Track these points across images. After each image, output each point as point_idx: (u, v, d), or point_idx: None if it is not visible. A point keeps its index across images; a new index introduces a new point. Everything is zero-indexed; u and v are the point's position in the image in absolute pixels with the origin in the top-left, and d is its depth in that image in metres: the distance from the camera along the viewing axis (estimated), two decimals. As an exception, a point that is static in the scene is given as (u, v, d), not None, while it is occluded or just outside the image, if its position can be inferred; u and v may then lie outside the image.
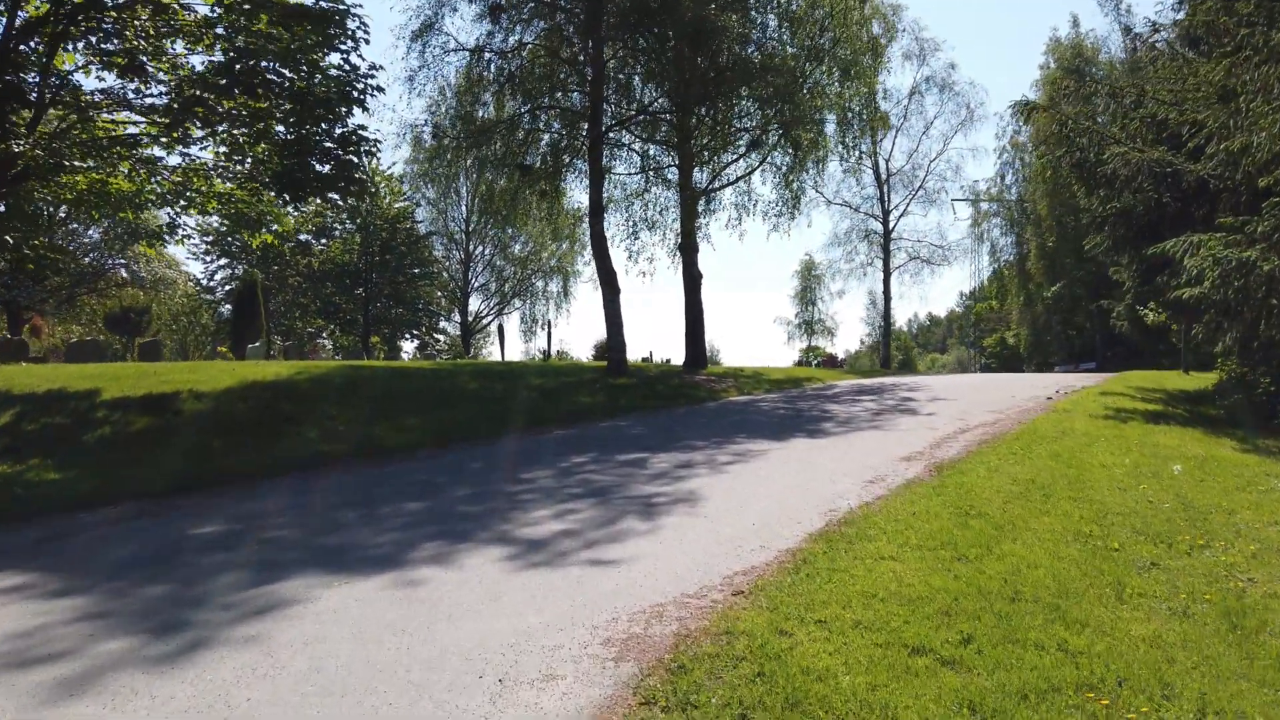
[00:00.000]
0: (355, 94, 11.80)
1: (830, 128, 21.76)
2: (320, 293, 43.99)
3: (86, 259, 34.00)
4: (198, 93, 10.60)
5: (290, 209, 14.09)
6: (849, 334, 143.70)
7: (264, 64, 10.75)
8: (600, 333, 75.57)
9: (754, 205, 22.61)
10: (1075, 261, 44.13)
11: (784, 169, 21.63)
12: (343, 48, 11.60)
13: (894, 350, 51.10)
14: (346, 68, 11.79)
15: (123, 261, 35.07)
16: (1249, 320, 10.05)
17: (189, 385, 12.18)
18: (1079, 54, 43.18)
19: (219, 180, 12.62)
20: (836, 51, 19.61)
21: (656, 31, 17.89)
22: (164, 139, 11.79)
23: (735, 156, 22.28)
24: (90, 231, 34.73)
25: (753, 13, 19.26)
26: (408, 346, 51.10)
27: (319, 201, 12.86)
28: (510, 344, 59.34)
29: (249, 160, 12.48)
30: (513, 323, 64.35)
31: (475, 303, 51.37)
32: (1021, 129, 48.86)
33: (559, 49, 19.19)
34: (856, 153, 23.54)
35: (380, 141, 12.59)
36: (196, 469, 8.42)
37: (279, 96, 11.16)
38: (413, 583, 4.58)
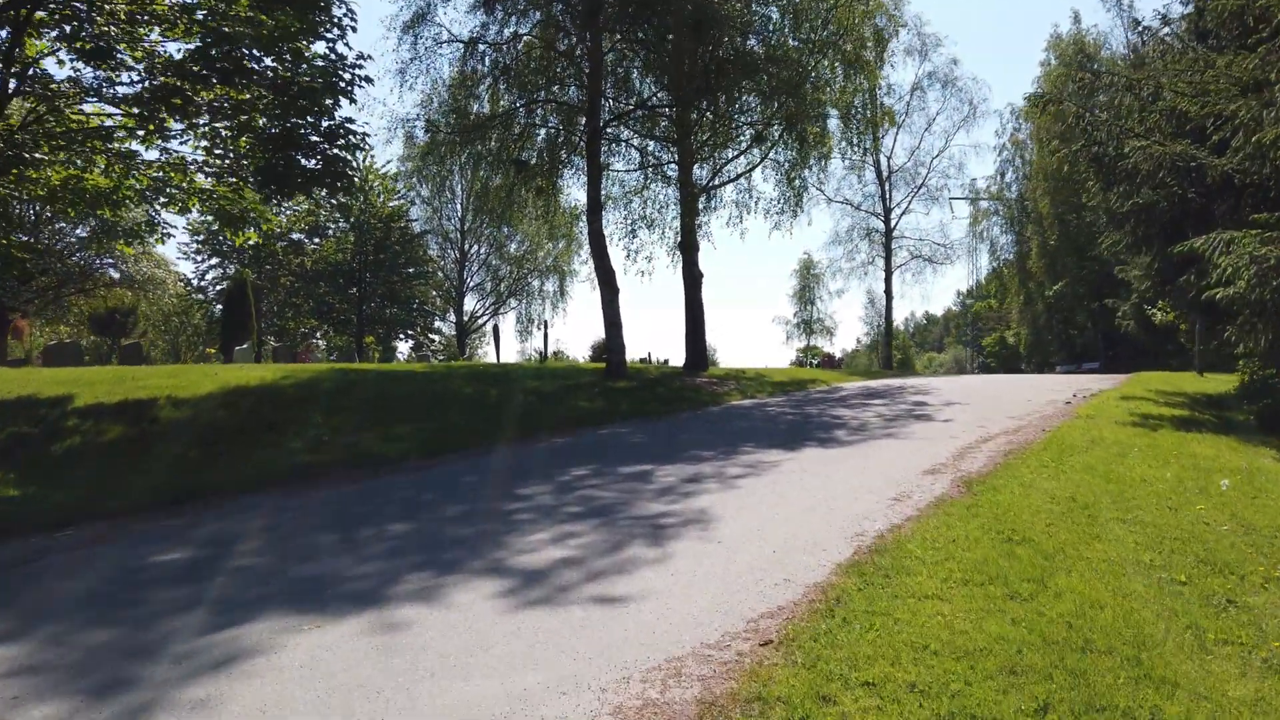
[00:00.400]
0: (342, 84, 11.22)
1: (834, 123, 21.25)
2: (313, 293, 43.33)
3: (74, 258, 33.29)
4: (173, 80, 10.01)
5: (275, 206, 13.48)
6: (847, 334, 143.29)
7: (243, 52, 10.15)
8: (597, 333, 74.75)
9: (755, 203, 22.11)
10: (1077, 260, 43.72)
11: (786, 165, 21.12)
12: (328, 35, 11.04)
13: (893, 350, 50.67)
14: (333, 57, 11.22)
15: (110, 261, 34.38)
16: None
17: (168, 391, 11.60)
18: (1081, 50, 42.68)
19: (199, 176, 12.03)
20: (840, 44, 19.06)
21: (656, 22, 17.32)
22: (140, 132, 11.20)
23: (737, 152, 21.77)
24: (79, 230, 34.05)
25: (754, 4, 18.71)
26: (402, 347, 50.51)
27: (306, 198, 12.24)
28: (506, 344, 58.71)
29: (230, 154, 11.89)
30: (508, 323, 63.73)
31: (471, 302, 50.82)
32: (1022, 126, 48.59)
33: (555, 41, 18.62)
34: (860, 149, 22.99)
35: (369, 135, 12.01)
36: (169, 484, 7.85)
37: (260, 86, 10.58)
38: (393, 626, 4.02)
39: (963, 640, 3.59)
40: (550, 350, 43.99)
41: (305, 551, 5.56)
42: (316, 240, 44.69)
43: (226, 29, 9.53)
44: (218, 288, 41.95)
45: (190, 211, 12.47)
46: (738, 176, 22.01)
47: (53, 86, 10.36)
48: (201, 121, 11.73)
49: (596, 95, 17.89)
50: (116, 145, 11.49)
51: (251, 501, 7.33)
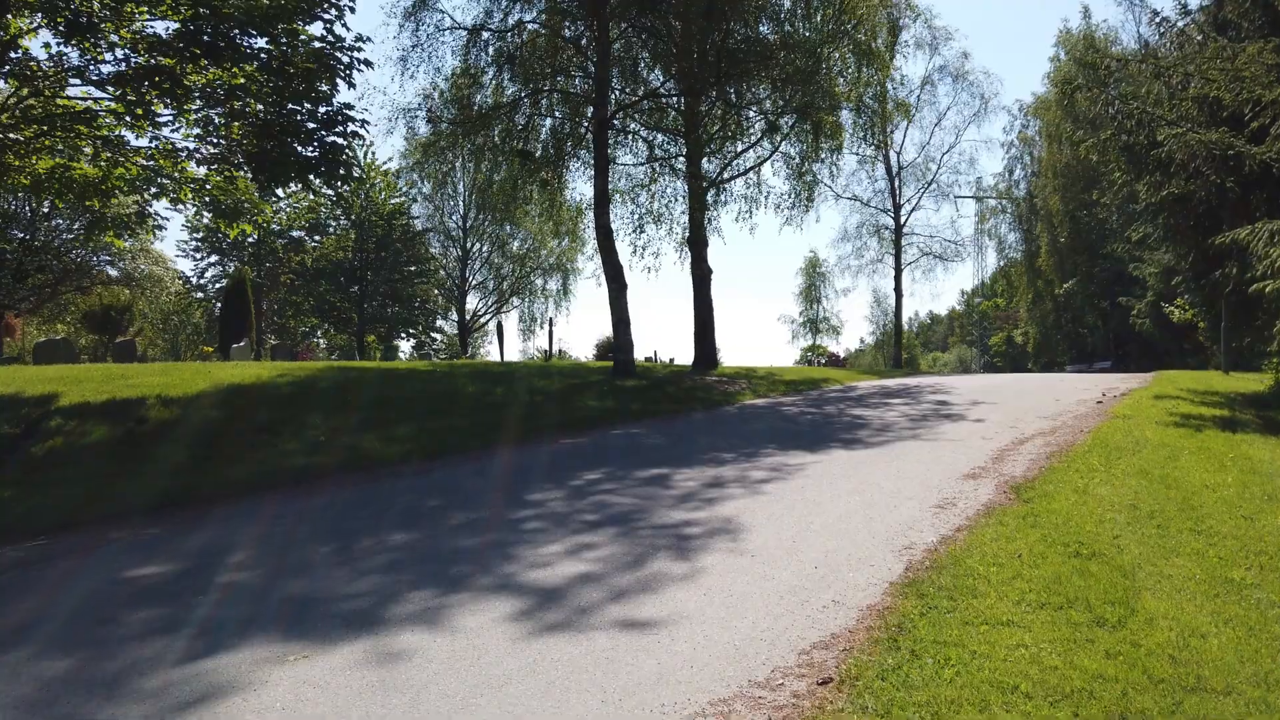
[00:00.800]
0: (340, 67, 10.71)
1: (845, 116, 20.69)
2: (314, 291, 42.87)
3: (70, 255, 32.84)
4: (157, 59, 9.49)
5: (270, 196, 12.97)
6: (852, 333, 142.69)
7: (235, 32, 9.62)
8: (600, 331, 74.26)
9: (765, 197, 21.55)
10: (1088, 258, 43.17)
11: (797, 158, 20.58)
12: (325, 16, 10.52)
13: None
14: (330, 38, 10.70)
15: (108, 258, 33.94)
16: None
17: (158, 390, 11.10)
18: (1091, 45, 42.07)
19: (192, 165, 11.53)
20: (853, 33, 18.52)
21: (665, 8, 16.77)
22: (129, 118, 10.70)
23: (746, 146, 21.23)
24: (76, 226, 33.55)
25: (767, -9, 18.16)
26: (404, 346, 50.07)
27: (302, 187, 11.71)
28: (510, 343, 58.33)
29: (224, 142, 11.37)
30: (511, 321, 63.22)
31: (473, 301, 50.28)
32: (1030, 123, 48.04)
33: (561, 28, 18.08)
34: (872, 143, 22.45)
35: (368, 122, 11.49)
36: (154, 489, 7.34)
37: (251, 63, 10.06)
38: (391, 657, 3.51)
39: (1056, 679, 3.07)
40: (555, 349, 43.52)
41: (297, 565, 5.06)
42: (317, 238, 44.22)
43: (216, 3, 9.00)
44: (217, 285, 41.51)
45: (183, 203, 11.98)
46: (748, 170, 21.49)
47: (32, 66, 9.83)
48: (193, 107, 11.23)
49: (604, 85, 17.36)
50: (104, 131, 10.99)
51: (242, 508, 6.82)
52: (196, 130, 11.63)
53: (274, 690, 3.21)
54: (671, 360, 37.63)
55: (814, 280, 55.64)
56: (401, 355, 50.25)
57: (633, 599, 4.16)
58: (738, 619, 3.82)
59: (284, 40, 10.26)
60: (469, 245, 48.31)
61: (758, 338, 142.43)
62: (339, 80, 11.00)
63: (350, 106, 11.37)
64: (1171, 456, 7.52)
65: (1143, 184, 12.62)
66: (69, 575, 5.07)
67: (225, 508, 6.85)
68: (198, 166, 11.41)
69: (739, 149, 21.02)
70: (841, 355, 56.38)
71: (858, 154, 37.04)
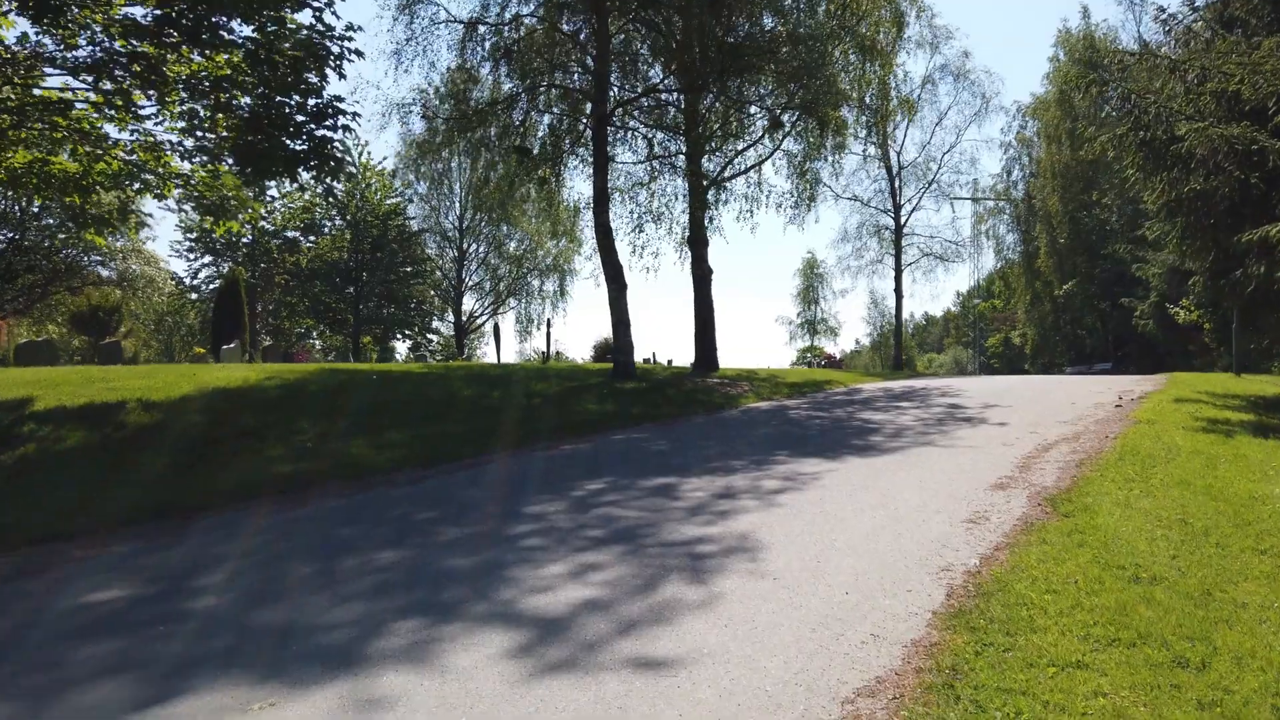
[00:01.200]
0: (330, 58, 10.24)
1: (848, 113, 20.26)
2: (309, 291, 42.31)
3: (60, 255, 32.27)
4: (134, 45, 9.00)
5: (256, 191, 12.49)
6: (848, 334, 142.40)
7: (217, 18, 9.14)
8: (599, 331, 73.81)
9: (766, 196, 21.11)
10: (1088, 259, 42.85)
11: (799, 156, 20.14)
12: (314, 3, 10.04)
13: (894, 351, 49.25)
14: (320, 27, 10.23)
15: (99, 258, 33.37)
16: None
17: (139, 394, 10.62)
18: (1091, 45, 41.80)
19: (176, 160, 11.06)
20: (857, 29, 18.10)
21: (667, 1, 16.30)
22: (110, 110, 10.23)
23: (748, 144, 20.80)
24: (70, 225, 32.95)
25: (770, -16, 17.72)
26: (400, 347, 49.52)
27: (290, 182, 11.24)
28: (506, 344, 57.79)
29: (210, 136, 10.90)
30: (508, 322, 62.70)
31: (470, 302, 49.79)
32: (1029, 124, 47.72)
33: (559, 22, 17.62)
34: (876, 140, 22.05)
35: (359, 115, 11.02)
36: (127, 500, 6.87)
37: (238, 56, 9.60)
38: (372, 704, 3.06)
39: (1148, 737, 2.63)
40: (552, 350, 43.04)
41: (275, 588, 4.60)
42: (312, 238, 43.67)
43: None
44: (211, 286, 40.92)
45: (166, 198, 11.50)
46: (749, 169, 21.05)
47: (1, 53, 9.33)
48: (177, 100, 10.76)
49: (603, 80, 16.91)
50: (84, 124, 10.51)
51: (221, 521, 6.36)
52: (181, 123, 11.17)
53: (233, 749, 2.75)
54: (670, 362, 37.20)
55: (812, 281, 55.35)
56: (398, 357, 49.74)
57: (645, 632, 3.71)
58: (766, 657, 3.37)
59: (270, 28, 9.79)
60: (465, 246, 47.82)
61: (755, 338, 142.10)
62: (329, 71, 10.53)
63: (341, 99, 10.91)
64: (1209, 465, 7.09)
65: (1160, 181, 12.21)
66: (18, 601, 4.60)
67: (203, 521, 6.38)
68: (181, 160, 10.93)
69: (740, 147, 20.60)
70: (838, 357, 56.05)
71: (860, 153, 36.65)
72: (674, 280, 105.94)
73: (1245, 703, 2.88)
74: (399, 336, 47.59)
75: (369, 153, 43.45)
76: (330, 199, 40.60)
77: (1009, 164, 48.16)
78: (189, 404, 10.32)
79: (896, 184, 40.93)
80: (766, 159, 21.06)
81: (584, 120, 18.47)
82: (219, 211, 11.45)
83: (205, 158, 10.57)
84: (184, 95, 10.84)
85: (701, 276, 20.40)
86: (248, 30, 9.77)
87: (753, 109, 19.38)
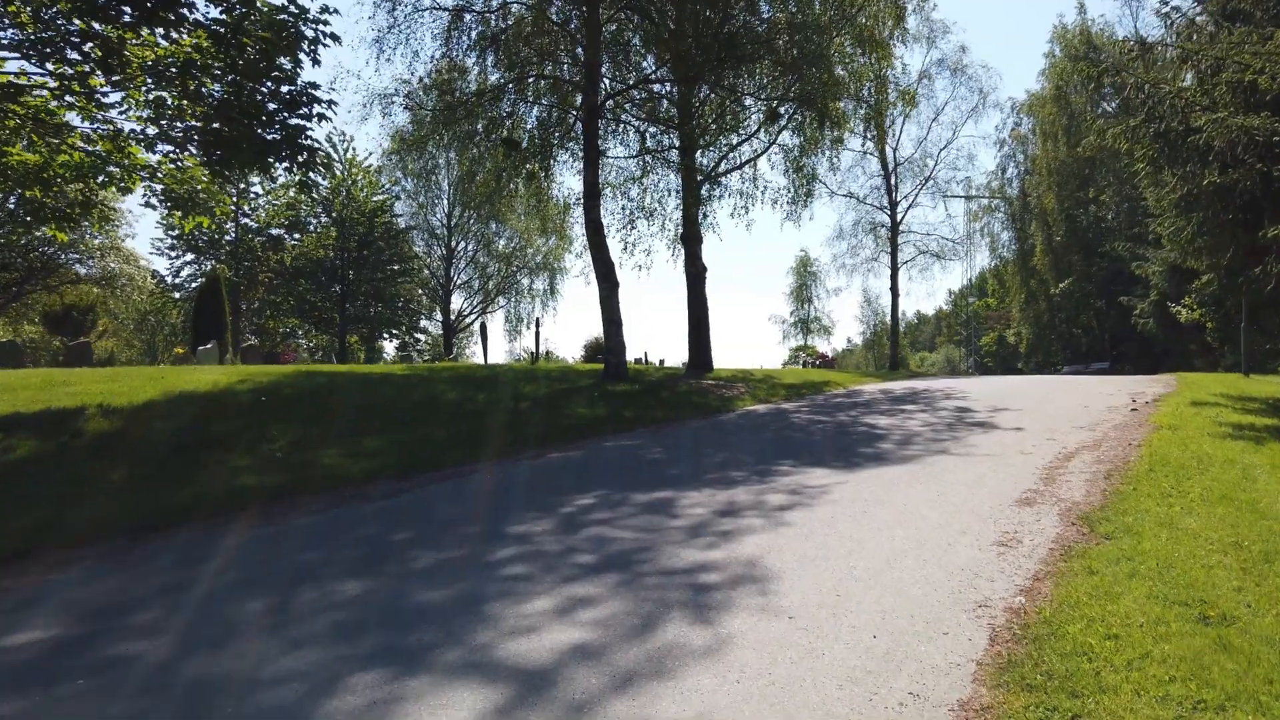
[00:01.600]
0: (303, 42, 9.63)
1: (845, 106, 19.74)
2: (294, 290, 41.54)
3: (35, 254, 31.41)
4: (89, 23, 8.36)
5: (220, 181, 11.85)
6: (840, 333, 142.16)
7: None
8: (589, 331, 73.40)
9: (762, 192, 20.65)
10: (1084, 257, 42.55)
11: (796, 151, 19.61)
12: (287, -17, 9.46)
13: (889, 349, 48.73)
14: (292, 9, 9.62)
15: (76, 256, 32.54)
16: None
17: (101, 398, 9.99)
18: (1087, 41, 41.48)
19: (140, 150, 10.42)
20: (857, 19, 17.58)
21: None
22: (68, 97, 9.60)
23: (742, 138, 20.25)
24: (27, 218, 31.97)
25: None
26: (388, 347, 48.83)
27: (259, 173, 10.63)
28: (495, 344, 57.23)
29: (178, 125, 10.28)
30: (497, 322, 62.14)
31: (458, 301, 49.15)
32: (1023, 121, 47.41)
33: (548, 9, 17.01)
34: (873, 134, 21.55)
35: (336, 103, 10.41)
36: (68, 519, 6.27)
37: (203, 36, 8.98)
38: (312, 795, 2.49)
39: None
40: (541, 350, 42.45)
41: (214, 629, 4.02)
42: (297, 236, 42.88)
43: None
44: (194, 285, 40.10)
45: (132, 191, 10.86)
46: (744, 164, 20.50)
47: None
48: (143, 86, 10.14)
49: (594, 70, 16.32)
50: (41, 113, 9.87)
51: (169, 544, 5.76)
52: (147, 112, 10.54)
53: None
54: (662, 362, 36.70)
55: (805, 280, 54.96)
56: (386, 357, 49.05)
57: (644, 688, 3.16)
58: (789, 726, 2.83)
59: (238, 9, 9.17)
60: (454, 244, 47.17)
61: (748, 335, 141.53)
62: (302, 56, 9.93)
63: (316, 86, 10.30)
64: (1246, 477, 6.59)
65: (1176, 174, 11.74)
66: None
67: (151, 543, 5.78)
68: (146, 151, 10.29)
69: (735, 141, 20.04)
70: (830, 356, 55.65)
71: (859, 149, 36.21)
72: (667, 278, 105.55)
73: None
74: (386, 336, 46.90)
75: (354, 149, 42.74)
76: (314, 195, 39.84)
77: (1003, 161, 47.93)
78: (153, 410, 9.70)
79: (893, 180, 40.50)
80: (762, 154, 20.57)
81: (574, 112, 17.89)
82: (188, 205, 10.84)
83: (170, 147, 9.94)
84: (150, 83, 10.23)
85: (695, 274, 19.86)
86: (215, 11, 9.16)
87: (748, 101, 18.83)
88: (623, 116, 19.37)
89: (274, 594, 4.49)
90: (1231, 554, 4.57)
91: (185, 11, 8.60)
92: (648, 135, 19.75)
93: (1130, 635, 3.42)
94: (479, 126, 17.26)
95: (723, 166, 20.38)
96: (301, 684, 3.31)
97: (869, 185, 41.73)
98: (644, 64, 18.91)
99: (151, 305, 40.73)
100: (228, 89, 10.24)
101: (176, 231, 38.86)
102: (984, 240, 48.27)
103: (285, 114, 10.05)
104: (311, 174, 10.30)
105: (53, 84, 9.34)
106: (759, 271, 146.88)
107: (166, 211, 10.97)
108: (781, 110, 17.98)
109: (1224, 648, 3.31)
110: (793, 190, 20.00)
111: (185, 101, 9.72)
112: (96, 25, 8.54)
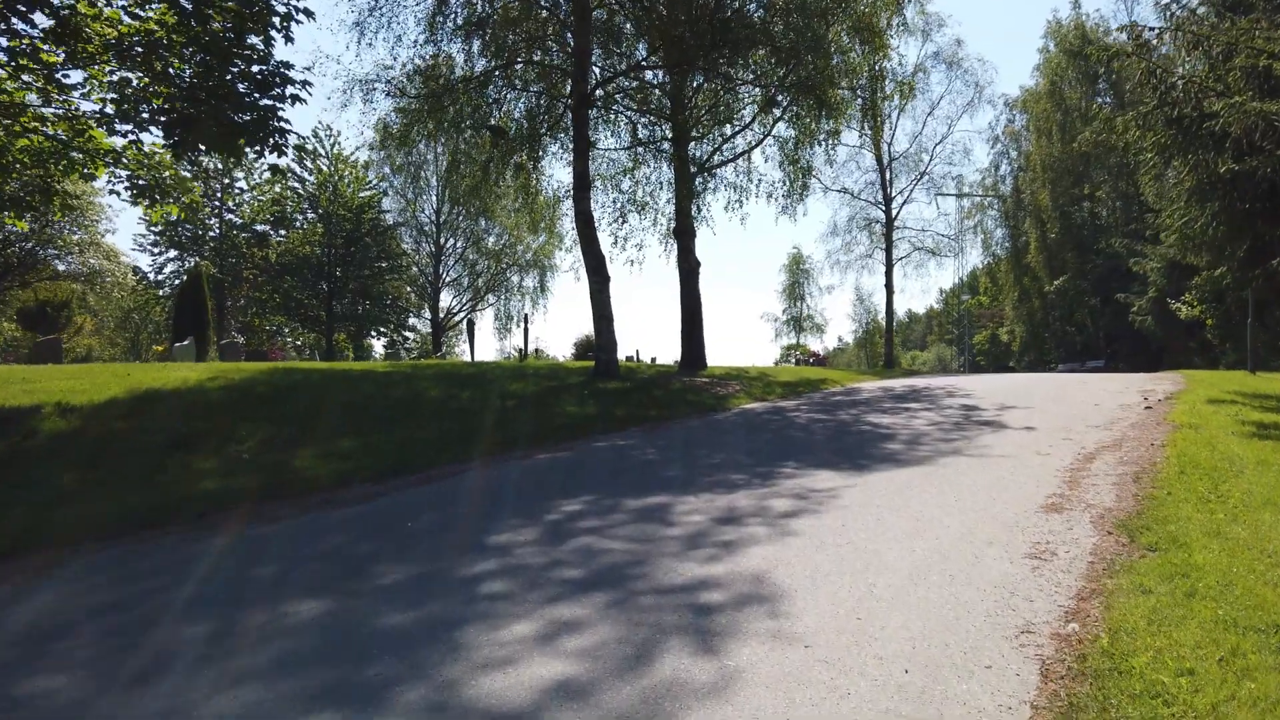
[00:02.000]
0: (275, 18, 9.07)
1: (843, 93, 19.24)
2: (280, 287, 40.81)
3: (12, 249, 30.65)
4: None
5: (181, 163, 11.27)
6: (832, 331, 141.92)
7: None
8: (580, 328, 72.83)
9: (756, 185, 20.11)
10: (1078, 254, 42.25)
11: (791, 143, 19.12)
12: (255, -46, 8.90)
13: (881, 347, 48.36)
14: (263, -17, 9.07)
15: (55, 251, 31.78)
16: None
17: (60, 396, 9.42)
18: (1081, 35, 41.18)
19: (103, 135, 9.84)
20: (856, 6, 17.09)
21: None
22: (24, 77, 9.01)
23: (736, 130, 19.76)
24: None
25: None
26: (377, 345, 48.17)
27: (229, 157, 10.06)
28: (484, 342, 56.61)
29: (144, 107, 9.70)
30: (487, 319, 61.47)
31: (447, 298, 48.53)
32: (1016, 118, 47.12)
33: (537, -7, 16.44)
34: (869, 126, 21.07)
35: (310, 84, 9.85)
36: (13, 526, 5.72)
37: (164, 9, 8.42)
38: None
39: None
40: (531, 348, 41.83)
41: (145, 659, 3.49)
42: (283, 232, 42.15)
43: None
44: (177, 282, 39.34)
45: (97, 178, 10.29)
46: (738, 156, 20.03)
47: None
48: (106, 66, 9.57)
49: (584, 57, 15.78)
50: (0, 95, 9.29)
51: (114, 555, 5.22)
52: (112, 94, 9.96)
53: None
54: (654, 359, 36.19)
55: (798, 278, 54.56)
56: (375, 355, 48.40)
57: (640, 740, 2.65)
58: (817, 793, 2.32)
59: (205, -18, 8.62)
60: (443, 240, 46.54)
61: (740, 332, 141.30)
62: (274, 33, 9.37)
63: (290, 66, 9.74)
64: (1284, 479, 6.13)
65: (1188, 162, 11.31)
66: None
67: (93, 554, 5.25)
68: (107, 132, 9.70)
69: (729, 132, 19.55)
70: (823, 354, 55.25)
71: (854, 144, 35.76)
72: (659, 273, 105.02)
73: None
74: (374, 334, 46.25)
75: (340, 144, 42.06)
76: (301, 189, 39.11)
77: (997, 158, 47.66)
78: (114, 409, 9.12)
79: (888, 175, 40.10)
80: (756, 145, 20.08)
81: (563, 101, 17.35)
82: (154, 193, 10.27)
83: (129, 126, 9.35)
84: (114, 62, 9.65)
85: (688, 269, 19.35)
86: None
87: (742, 90, 18.32)
88: (614, 106, 18.85)
89: (219, 617, 3.97)
90: (1293, 568, 4.10)
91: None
92: (639, 126, 19.24)
93: (1208, 671, 2.93)
94: (465, 114, 16.65)
95: (716, 158, 19.90)
96: (234, 733, 2.79)
97: (864, 180, 41.38)
98: (636, 51, 18.39)
99: (135, 302, 39.96)
100: (197, 70, 9.67)
101: (159, 227, 38.10)
102: (977, 237, 47.99)
103: (256, 95, 9.48)
104: (282, 157, 9.72)
105: (2, 56, 8.71)
106: (752, 268, 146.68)
107: (131, 200, 10.37)
108: (779, 98, 17.48)
109: (1319, 686, 2.83)
110: (788, 183, 19.55)
111: (151, 83, 9.14)
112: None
